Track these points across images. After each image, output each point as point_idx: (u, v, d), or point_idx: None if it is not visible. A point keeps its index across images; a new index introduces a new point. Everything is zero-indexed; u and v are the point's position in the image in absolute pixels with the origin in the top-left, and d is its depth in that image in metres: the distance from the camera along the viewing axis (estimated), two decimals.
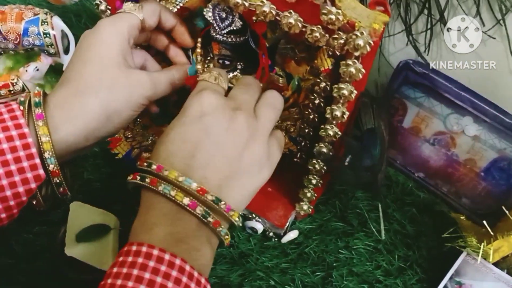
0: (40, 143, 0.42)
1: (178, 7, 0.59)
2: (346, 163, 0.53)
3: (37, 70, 0.69)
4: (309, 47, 0.54)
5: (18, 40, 0.67)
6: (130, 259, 0.37)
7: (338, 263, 0.64)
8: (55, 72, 0.72)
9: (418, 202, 0.71)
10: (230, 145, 0.43)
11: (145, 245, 0.37)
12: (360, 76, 0.45)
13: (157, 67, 0.57)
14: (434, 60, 0.65)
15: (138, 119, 0.66)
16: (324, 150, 0.55)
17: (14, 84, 0.69)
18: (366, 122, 0.57)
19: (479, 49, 0.59)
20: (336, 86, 0.48)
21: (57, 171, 0.44)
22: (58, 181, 0.44)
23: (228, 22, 0.56)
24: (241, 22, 0.56)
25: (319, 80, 0.54)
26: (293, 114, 0.64)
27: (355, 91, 0.47)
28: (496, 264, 0.60)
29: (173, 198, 0.40)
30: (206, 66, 0.63)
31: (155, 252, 0.37)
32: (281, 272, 0.63)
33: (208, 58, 0.62)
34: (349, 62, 0.44)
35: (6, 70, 0.69)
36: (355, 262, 0.64)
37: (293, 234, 0.66)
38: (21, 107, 0.43)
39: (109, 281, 0.37)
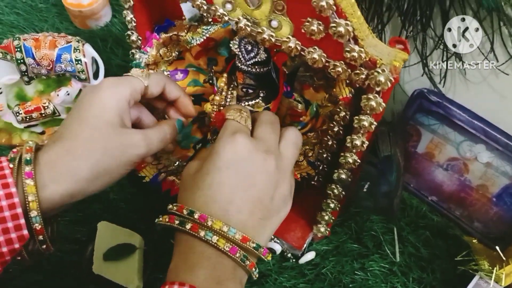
0: (27, 202, 0.42)
1: (205, 37, 0.63)
2: (365, 190, 0.56)
3: (68, 94, 0.72)
4: (328, 76, 0.57)
5: (51, 66, 0.70)
6: None
7: (354, 284, 0.66)
8: None
9: (431, 225, 0.73)
10: (263, 187, 0.45)
11: (187, 286, 0.40)
12: (381, 109, 0.48)
13: (151, 119, 0.57)
14: (449, 91, 0.67)
15: None
16: (343, 176, 0.57)
17: (46, 107, 0.72)
18: (383, 149, 0.60)
19: (492, 81, 0.61)
20: (357, 117, 0.50)
21: (41, 230, 0.43)
22: (41, 239, 0.44)
23: (253, 54, 0.59)
24: (265, 54, 0.59)
25: (338, 110, 0.56)
26: (311, 139, 0.67)
27: (375, 123, 0.50)
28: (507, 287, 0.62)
29: (215, 245, 0.42)
30: (230, 93, 0.67)
31: None
32: None
33: (232, 86, 0.66)
34: (370, 96, 0.47)
35: (37, 93, 0.73)
36: (371, 283, 0.66)
37: (310, 255, 0.68)
38: (11, 165, 0.42)
39: None
